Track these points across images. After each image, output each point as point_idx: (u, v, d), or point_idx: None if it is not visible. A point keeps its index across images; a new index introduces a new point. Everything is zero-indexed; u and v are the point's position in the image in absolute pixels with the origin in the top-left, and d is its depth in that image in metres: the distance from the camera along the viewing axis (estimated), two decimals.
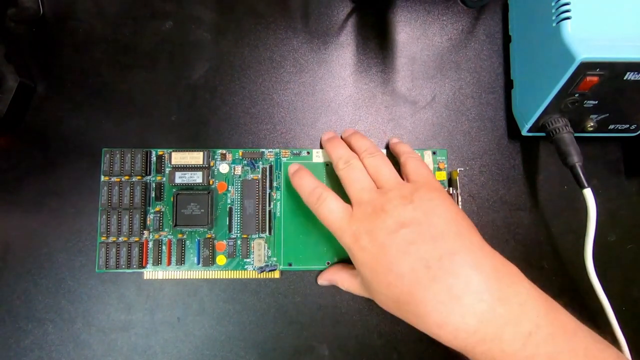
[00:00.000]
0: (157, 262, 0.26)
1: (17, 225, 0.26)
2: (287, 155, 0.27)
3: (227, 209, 0.27)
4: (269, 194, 0.27)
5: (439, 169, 0.28)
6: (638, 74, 0.23)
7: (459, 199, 0.27)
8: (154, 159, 0.27)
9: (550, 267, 0.27)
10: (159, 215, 0.27)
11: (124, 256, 0.26)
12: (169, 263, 0.26)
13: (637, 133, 0.27)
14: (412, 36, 0.29)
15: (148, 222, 0.27)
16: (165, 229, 0.27)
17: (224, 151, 0.27)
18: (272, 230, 0.27)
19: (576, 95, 0.24)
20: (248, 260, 0.27)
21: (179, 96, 0.28)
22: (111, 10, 0.28)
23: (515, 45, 0.29)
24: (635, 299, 0.27)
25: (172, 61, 0.28)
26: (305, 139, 0.28)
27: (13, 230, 0.26)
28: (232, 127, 0.28)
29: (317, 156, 0.28)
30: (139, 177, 0.26)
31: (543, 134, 0.26)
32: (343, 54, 0.29)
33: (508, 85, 0.29)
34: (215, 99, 0.28)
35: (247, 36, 0.28)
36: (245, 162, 0.27)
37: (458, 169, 0.27)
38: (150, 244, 0.26)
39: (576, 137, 0.25)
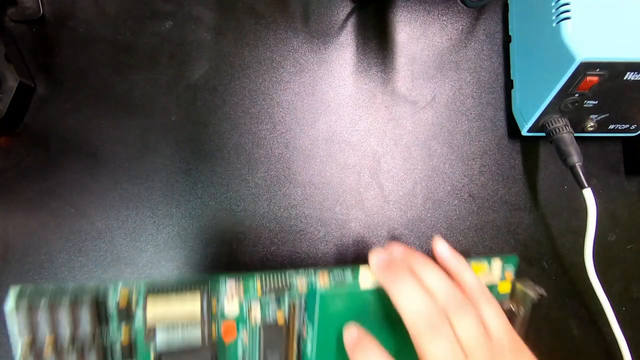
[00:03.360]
0: None
1: (17, 225, 0.26)
2: (325, 284, 0.20)
3: None
4: (299, 337, 0.19)
5: (503, 279, 0.22)
6: (638, 74, 0.23)
7: (521, 321, 0.22)
8: (111, 309, 0.18)
9: (550, 267, 0.27)
10: None
11: None
12: None
13: (637, 133, 0.27)
14: (412, 36, 0.29)
15: None
16: None
17: (231, 281, 0.19)
18: None
19: (576, 95, 0.24)
20: None
21: (179, 96, 0.28)
22: (111, 10, 0.28)
23: (515, 45, 0.29)
24: (635, 299, 0.27)
25: (172, 61, 0.28)
26: (305, 139, 0.28)
27: (13, 230, 0.26)
28: (232, 127, 0.28)
29: (365, 279, 0.20)
30: (90, 339, 0.17)
31: (543, 134, 0.26)
32: (343, 54, 0.29)
33: (508, 85, 0.29)
34: (215, 99, 0.28)
35: (247, 36, 0.28)
36: (265, 296, 0.19)
37: (531, 289, 0.22)
38: None
39: (576, 137, 0.25)
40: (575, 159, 0.24)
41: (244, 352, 0.19)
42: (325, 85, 0.28)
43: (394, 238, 0.28)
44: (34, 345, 0.16)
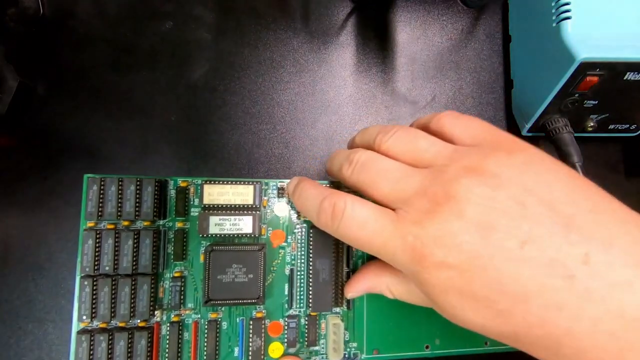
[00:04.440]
0: (177, 359, 0.18)
1: (17, 225, 0.26)
2: None
3: (287, 273, 0.20)
4: (348, 248, 0.20)
5: None
6: (638, 74, 0.23)
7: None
8: (171, 193, 0.20)
9: None
10: (179, 284, 0.19)
11: (120, 355, 0.17)
12: (196, 359, 0.18)
13: (637, 133, 0.27)
14: (412, 36, 0.29)
15: (161, 295, 0.19)
16: (190, 306, 0.19)
17: (282, 182, 0.21)
18: (352, 304, 0.20)
19: (576, 95, 0.24)
20: (317, 348, 0.20)
21: (179, 96, 0.28)
22: (111, 10, 0.28)
23: (515, 45, 0.29)
24: None
25: (172, 61, 0.28)
26: (305, 139, 0.28)
27: (13, 230, 0.26)
28: (232, 127, 0.28)
29: None
30: (147, 223, 0.19)
31: (543, 134, 0.26)
32: (343, 54, 0.29)
33: (508, 85, 0.29)
34: (215, 99, 0.28)
35: (247, 36, 0.28)
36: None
37: None
38: (165, 330, 0.19)
39: (576, 137, 0.25)
40: (575, 159, 0.24)
41: (293, 258, 0.20)
42: (325, 85, 0.28)
43: None
44: (100, 217, 0.19)
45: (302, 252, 0.21)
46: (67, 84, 0.28)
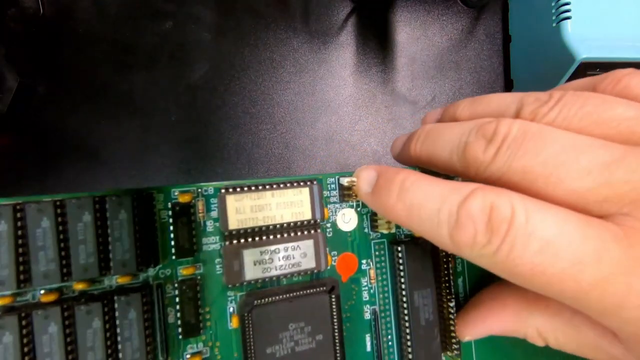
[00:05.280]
0: None
1: None
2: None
3: (367, 317, 0.14)
4: (448, 263, 0.14)
5: None
6: None
7: None
8: (163, 216, 0.13)
9: None
10: None
11: None
12: None
13: None
14: (412, 36, 0.29)
15: None
16: None
17: (346, 177, 0.14)
18: (461, 348, 0.14)
19: None
20: None
21: (179, 96, 0.28)
22: (111, 10, 0.28)
23: (515, 45, 0.29)
24: None
25: (172, 61, 0.28)
26: (305, 139, 0.28)
27: None
28: (232, 127, 0.28)
29: None
30: (125, 279, 0.12)
31: None
32: (343, 54, 0.29)
33: (508, 85, 0.29)
34: (215, 99, 0.28)
35: (247, 36, 0.28)
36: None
37: None
38: None
39: None
40: None
41: (373, 295, 0.14)
42: (325, 85, 0.28)
43: None
44: (24, 283, 0.11)
45: (385, 282, 0.14)
46: (67, 84, 0.28)
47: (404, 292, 0.14)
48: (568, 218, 0.10)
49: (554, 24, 0.23)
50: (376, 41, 0.29)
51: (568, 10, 0.23)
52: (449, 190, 0.11)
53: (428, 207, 0.11)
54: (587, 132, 0.11)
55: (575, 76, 0.22)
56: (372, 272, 0.14)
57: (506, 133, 0.11)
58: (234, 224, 0.12)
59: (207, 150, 0.27)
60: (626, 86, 0.13)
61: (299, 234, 0.13)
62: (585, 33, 0.22)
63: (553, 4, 0.24)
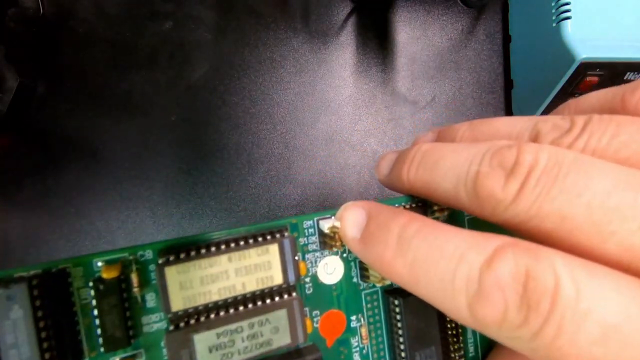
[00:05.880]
0: None
1: (17, 225, 0.26)
2: None
3: None
4: (457, 328, 0.12)
5: None
6: (638, 74, 0.23)
7: None
8: (85, 296, 0.10)
9: None
10: None
11: None
12: None
13: None
14: (412, 36, 0.29)
15: None
16: None
17: (326, 217, 0.12)
18: None
19: (576, 95, 0.24)
20: None
21: (179, 96, 0.28)
22: (111, 10, 0.28)
23: (515, 45, 0.29)
24: None
25: (172, 61, 0.28)
26: (305, 139, 0.28)
27: (13, 230, 0.26)
28: (232, 127, 0.28)
29: None
30: None
31: None
32: (343, 54, 0.29)
33: (508, 85, 0.29)
34: (215, 99, 0.28)
35: (247, 36, 0.28)
36: None
37: None
38: None
39: None
40: None
41: (364, 354, 0.12)
42: (325, 85, 0.28)
43: None
44: None
45: (381, 339, 0.12)
46: (67, 84, 0.28)
47: (403, 355, 0.11)
48: (634, 288, 0.07)
49: (554, 24, 0.23)
50: (376, 41, 0.29)
51: (568, 10, 0.23)
52: (468, 245, 0.09)
53: (439, 267, 0.09)
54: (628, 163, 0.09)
55: (575, 76, 0.22)
56: (364, 330, 0.12)
57: (533, 162, 0.09)
58: (178, 304, 0.09)
59: (207, 150, 0.27)
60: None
61: (267, 302, 0.10)
62: (585, 33, 0.22)
63: (553, 4, 0.24)
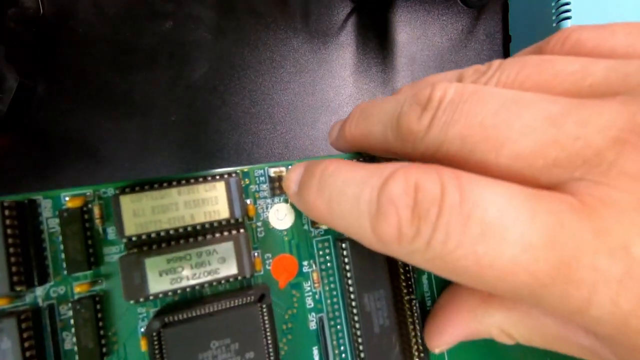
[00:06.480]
0: None
1: None
2: None
3: (313, 327, 0.12)
4: (410, 272, 0.13)
5: None
6: None
7: None
8: (50, 224, 0.11)
9: None
10: None
11: None
12: None
13: None
14: (412, 36, 0.29)
15: None
16: None
17: (278, 168, 0.13)
18: (428, 357, 0.13)
19: None
20: None
21: (179, 96, 0.28)
22: (111, 10, 0.28)
23: (515, 45, 0.29)
24: None
25: (172, 61, 0.28)
26: (305, 139, 0.28)
27: None
28: (232, 127, 0.28)
29: None
30: (2, 302, 0.11)
31: None
32: (343, 54, 0.29)
33: None
34: (215, 99, 0.28)
35: (247, 36, 0.28)
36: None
37: None
38: None
39: None
40: None
41: (318, 301, 0.12)
42: (325, 85, 0.28)
43: None
44: None
45: (333, 285, 0.12)
46: (67, 84, 0.28)
47: (352, 296, 0.12)
48: (511, 192, 0.08)
49: (554, 24, 0.23)
50: (376, 41, 0.29)
51: (568, 10, 0.23)
52: (370, 173, 0.09)
53: (348, 196, 0.10)
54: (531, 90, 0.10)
55: None
56: (316, 275, 0.13)
57: (441, 97, 0.10)
58: (131, 229, 0.11)
59: (207, 150, 0.27)
60: (577, 42, 0.11)
61: (216, 235, 0.11)
62: None
63: (553, 4, 0.24)
